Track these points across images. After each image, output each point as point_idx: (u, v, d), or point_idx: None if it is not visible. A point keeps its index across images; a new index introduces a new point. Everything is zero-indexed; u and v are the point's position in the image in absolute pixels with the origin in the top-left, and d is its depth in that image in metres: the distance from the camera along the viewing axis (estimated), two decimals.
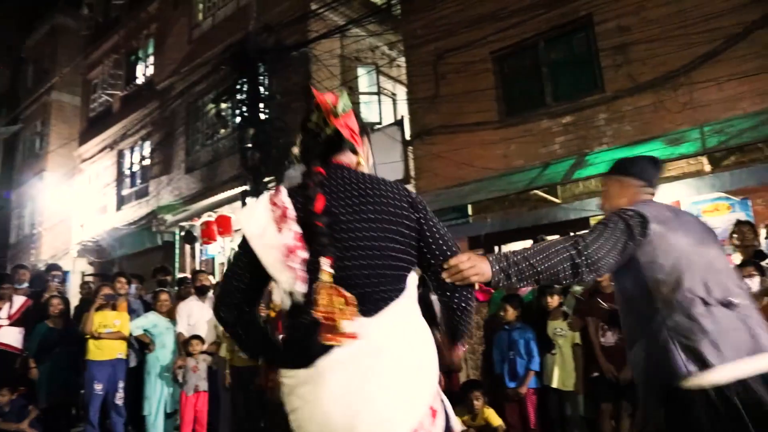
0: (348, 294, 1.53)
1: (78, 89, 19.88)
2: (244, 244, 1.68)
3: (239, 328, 1.74)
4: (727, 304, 1.89)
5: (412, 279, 1.70)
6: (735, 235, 4.80)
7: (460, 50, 9.22)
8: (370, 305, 1.56)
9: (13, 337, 6.58)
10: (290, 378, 1.58)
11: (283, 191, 1.67)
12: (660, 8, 7.49)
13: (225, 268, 1.84)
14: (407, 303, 1.65)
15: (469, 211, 8.69)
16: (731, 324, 1.87)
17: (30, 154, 21.45)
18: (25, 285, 7.42)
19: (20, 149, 22.20)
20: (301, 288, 1.57)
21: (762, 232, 4.61)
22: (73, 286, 12.64)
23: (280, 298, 1.71)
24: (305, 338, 1.52)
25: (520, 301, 5.04)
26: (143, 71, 16.79)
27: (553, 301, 4.84)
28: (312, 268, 1.55)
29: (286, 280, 1.58)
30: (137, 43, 17.03)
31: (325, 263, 1.54)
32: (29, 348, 6.43)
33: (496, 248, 8.53)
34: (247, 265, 1.68)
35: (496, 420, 4.58)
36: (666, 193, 6.93)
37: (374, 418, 1.46)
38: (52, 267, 8.28)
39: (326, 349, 1.50)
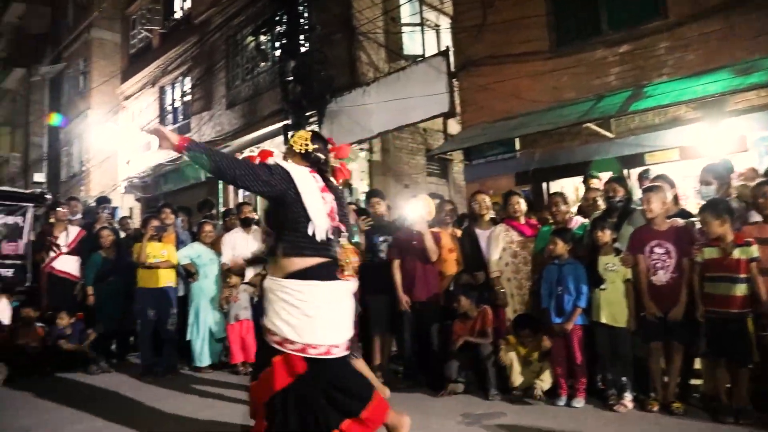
0: (357, 252, 3.01)
1: (117, 25, 19.82)
2: (292, 183, 2.72)
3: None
4: None
5: None
6: None
7: None
8: None
9: (72, 265, 6.87)
10: (339, 287, 2.86)
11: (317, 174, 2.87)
12: None
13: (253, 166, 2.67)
14: None
15: (517, 145, 8.41)
16: None
17: (74, 93, 21.69)
18: (78, 216, 7.66)
19: (65, 88, 22.47)
20: (328, 236, 2.78)
21: None
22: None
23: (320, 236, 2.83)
24: (332, 269, 2.83)
25: (571, 236, 4.89)
26: (181, 5, 16.57)
27: (605, 236, 4.66)
28: (337, 230, 2.88)
29: (323, 227, 2.76)
30: None
31: (345, 233, 2.94)
32: (85, 276, 6.69)
33: (544, 184, 8.30)
34: (279, 183, 2.70)
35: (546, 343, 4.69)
36: (731, 128, 6.54)
37: (349, 309, 2.95)
38: (102, 200, 8.50)
39: (337, 278, 2.84)
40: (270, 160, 2.80)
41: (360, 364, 4.49)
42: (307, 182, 2.76)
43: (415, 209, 5.36)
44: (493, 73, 8.73)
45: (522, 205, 5.28)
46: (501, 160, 8.48)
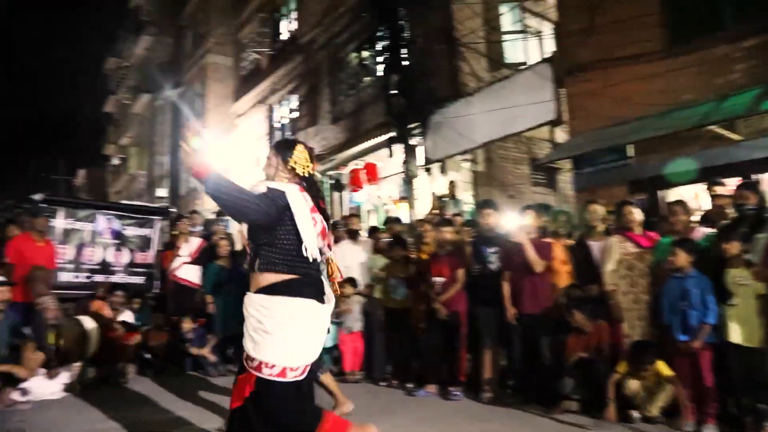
0: (338, 269, 3.03)
1: (230, 50, 21.16)
2: (288, 208, 2.71)
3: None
4: None
5: None
6: None
7: None
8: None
9: (193, 273, 7.38)
10: (307, 305, 2.72)
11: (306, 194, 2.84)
12: None
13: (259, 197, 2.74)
14: None
15: (630, 152, 7.96)
16: None
17: (193, 114, 23.39)
18: (199, 228, 8.22)
19: (185, 110, 24.29)
20: (318, 256, 2.79)
21: None
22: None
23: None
24: (305, 287, 2.74)
25: (694, 247, 4.55)
26: (287, 27, 17.39)
27: (733, 247, 4.30)
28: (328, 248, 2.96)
29: (314, 246, 2.75)
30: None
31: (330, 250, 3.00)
32: (205, 284, 7.15)
33: (659, 192, 7.80)
34: (278, 211, 2.69)
35: (666, 371, 4.30)
36: None
37: (318, 332, 2.81)
38: (220, 212, 9.04)
39: (311, 297, 2.75)
40: (261, 186, 2.76)
41: (327, 379, 4.61)
42: (300, 204, 2.76)
43: (515, 220, 5.28)
44: (602, 78, 8.36)
45: (637, 214, 5.01)
46: (612, 168, 8.07)
